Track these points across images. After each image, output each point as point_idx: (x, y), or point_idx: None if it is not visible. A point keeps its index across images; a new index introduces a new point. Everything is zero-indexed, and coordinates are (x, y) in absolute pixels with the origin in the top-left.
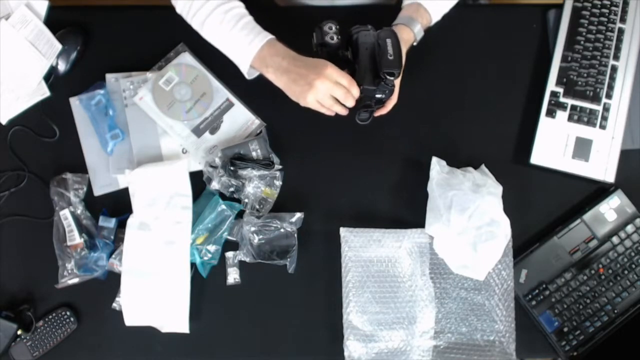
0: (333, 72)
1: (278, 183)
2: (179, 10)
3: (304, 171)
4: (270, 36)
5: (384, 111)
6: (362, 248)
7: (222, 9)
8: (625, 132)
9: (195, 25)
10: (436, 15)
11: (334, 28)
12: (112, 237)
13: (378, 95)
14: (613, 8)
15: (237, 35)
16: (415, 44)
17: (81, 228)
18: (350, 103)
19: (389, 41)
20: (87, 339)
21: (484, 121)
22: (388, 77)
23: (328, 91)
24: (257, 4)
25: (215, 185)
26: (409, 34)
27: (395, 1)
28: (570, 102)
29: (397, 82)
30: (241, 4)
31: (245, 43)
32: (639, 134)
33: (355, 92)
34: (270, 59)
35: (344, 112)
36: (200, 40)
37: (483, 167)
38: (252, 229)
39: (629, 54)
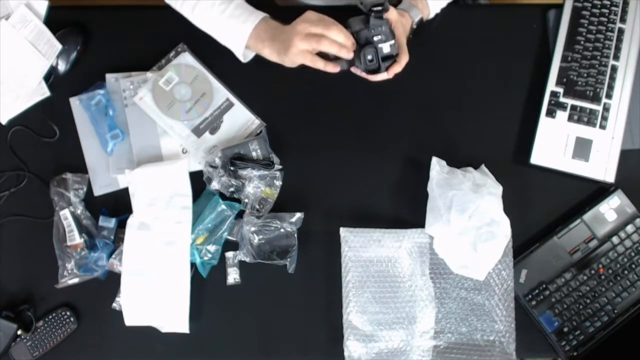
0: (311, 13)
1: (278, 183)
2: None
3: (304, 171)
4: (264, 14)
5: (397, 68)
6: (362, 248)
7: None
8: (625, 132)
9: (185, 12)
10: (434, 7)
11: None
12: (112, 237)
13: (376, 38)
14: (613, 8)
15: (231, 15)
16: (414, 26)
17: (81, 228)
18: (336, 34)
19: None
20: (87, 339)
21: (484, 121)
22: (373, 8)
23: (308, 29)
24: (256, 4)
25: (215, 185)
26: (407, 19)
27: (396, 1)
28: (570, 102)
29: (402, 36)
30: None
31: (240, 22)
32: (639, 134)
33: (338, 29)
34: (265, 33)
35: (345, 54)
36: (200, 40)
37: (483, 167)
38: (252, 229)
39: (629, 54)
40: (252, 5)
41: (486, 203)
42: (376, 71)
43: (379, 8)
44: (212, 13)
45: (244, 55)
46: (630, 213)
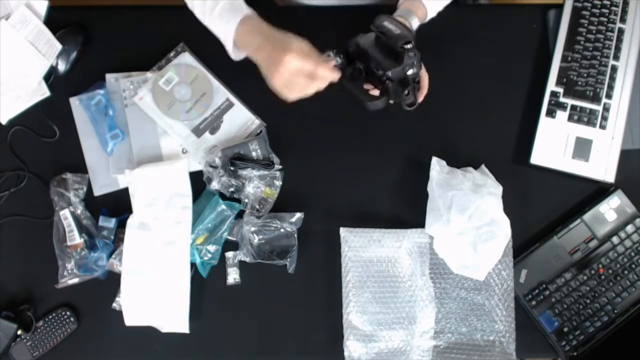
0: (303, 45)
1: (278, 183)
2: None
3: (304, 171)
4: (245, 13)
5: (424, 91)
6: (362, 248)
7: None
8: (625, 132)
9: (195, 11)
10: (431, 11)
11: (332, 54)
12: (112, 237)
13: (410, 72)
14: (613, 8)
15: (217, 15)
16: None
17: (81, 228)
18: (325, 79)
19: (385, 22)
20: (87, 339)
21: (484, 121)
22: (406, 46)
23: (295, 70)
24: (256, 3)
25: (215, 185)
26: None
27: (396, 2)
28: (570, 102)
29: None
30: None
31: (223, 23)
32: (639, 134)
33: (323, 71)
34: (249, 36)
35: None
36: (200, 40)
37: (483, 167)
38: (252, 229)
39: (629, 54)
40: (252, 6)
41: (486, 203)
42: (412, 105)
43: (410, 46)
44: (204, 12)
45: (234, 54)
46: (630, 213)
